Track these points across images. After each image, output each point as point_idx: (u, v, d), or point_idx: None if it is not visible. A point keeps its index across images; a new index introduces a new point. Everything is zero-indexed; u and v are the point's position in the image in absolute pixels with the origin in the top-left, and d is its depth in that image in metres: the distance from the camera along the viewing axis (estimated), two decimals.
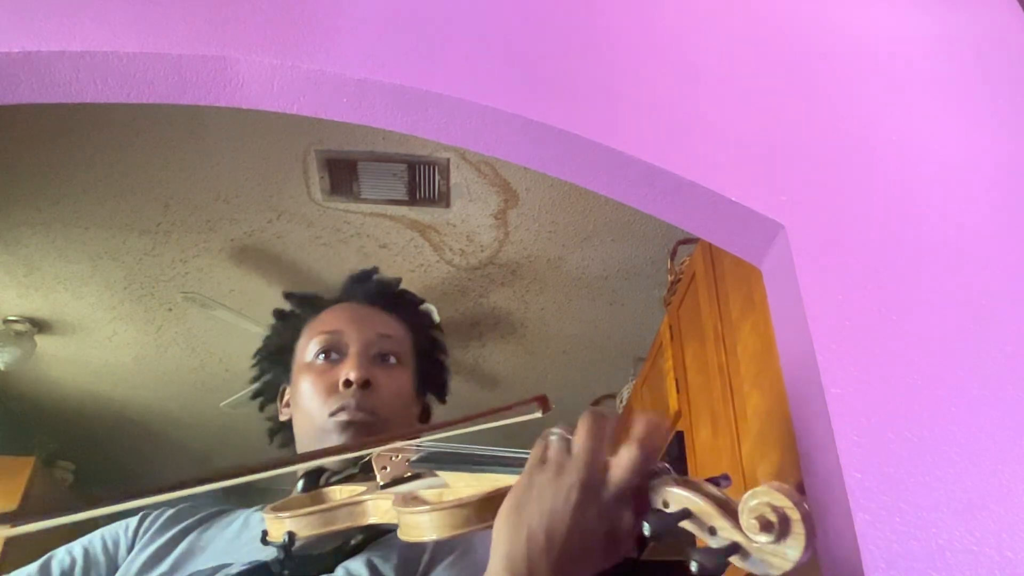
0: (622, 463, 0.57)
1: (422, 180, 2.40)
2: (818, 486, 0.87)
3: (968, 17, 1.28)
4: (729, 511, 0.53)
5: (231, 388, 3.22)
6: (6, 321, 3.01)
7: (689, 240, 2.27)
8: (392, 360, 0.94)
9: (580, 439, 0.59)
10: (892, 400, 0.86)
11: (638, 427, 0.59)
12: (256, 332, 2.81)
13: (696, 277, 2.04)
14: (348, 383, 0.88)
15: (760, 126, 1.10)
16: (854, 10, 1.27)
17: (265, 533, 0.78)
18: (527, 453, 0.65)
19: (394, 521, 0.68)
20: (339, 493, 0.80)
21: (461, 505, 0.62)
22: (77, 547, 0.86)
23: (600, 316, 2.97)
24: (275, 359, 1.02)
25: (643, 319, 2.91)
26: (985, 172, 1.09)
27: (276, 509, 0.78)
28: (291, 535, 0.75)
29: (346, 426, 0.86)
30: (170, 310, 2.98)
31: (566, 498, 0.57)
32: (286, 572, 0.76)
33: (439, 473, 0.72)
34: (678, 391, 2.11)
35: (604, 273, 2.76)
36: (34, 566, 0.83)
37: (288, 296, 1.05)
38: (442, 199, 2.47)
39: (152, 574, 0.81)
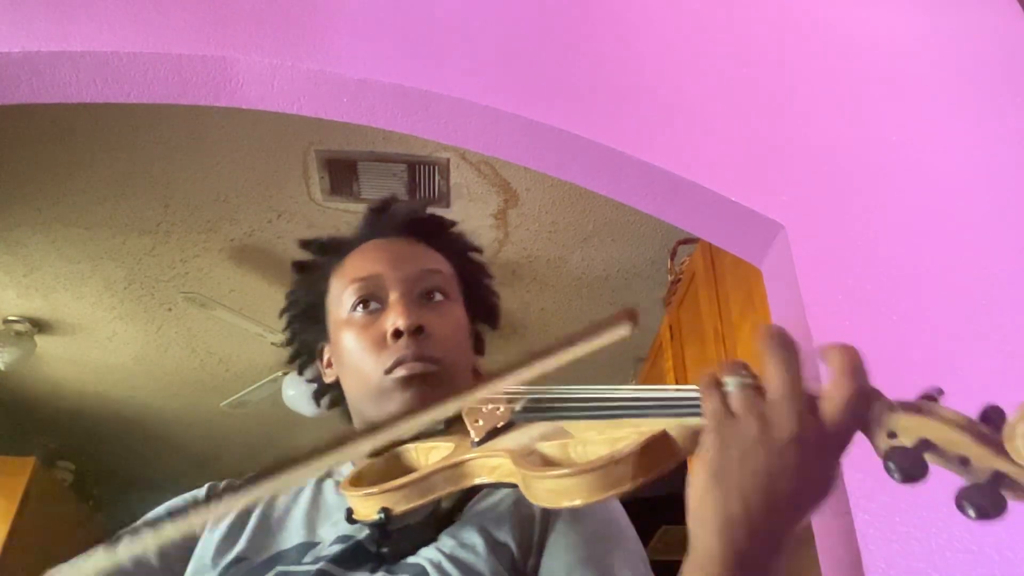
0: (837, 400, 0.47)
1: (422, 180, 2.40)
2: None
3: (968, 17, 1.28)
4: (980, 435, 0.44)
5: (231, 388, 3.21)
6: (6, 321, 3.01)
7: (689, 240, 2.27)
8: (439, 296, 0.83)
9: (780, 383, 0.49)
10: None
11: (840, 358, 0.49)
12: (256, 332, 2.81)
13: (696, 277, 2.04)
14: (398, 333, 0.77)
15: (760, 127, 1.10)
16: (854, 12, 1.27)
17: (350, 511, 0.69)
18: (660, 391, 0.57)
19: (510, 480, 0.59)
20: (417, 452, 0.70)
21: (616, 462, 0.51)
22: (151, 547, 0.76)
23: (600, 316, 2.95)
24: (306, 317, 0.90)
25: (643, 319, 2.91)
26: (985, 172, 1.09)
27: (357, 484, 0.68)
28: (386, 511, 0.65)
29: (407, 382, 0.76)
30: (170, 310, 2.98)
31: (780, 456, 0.48)
32: (385, 549, 0.69)
33: (547, 423, 0.63)
34: None
35: (604, 273, 2.76)
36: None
37: (306, 244, 0.92)
38: (442, 199, 2.47)
39: (230, 556, 0.74)
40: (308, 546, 0.73)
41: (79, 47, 1.00)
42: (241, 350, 3.12)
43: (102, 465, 4.06)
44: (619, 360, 3.10)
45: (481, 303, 0.92)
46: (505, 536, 0.70)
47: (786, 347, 0.49)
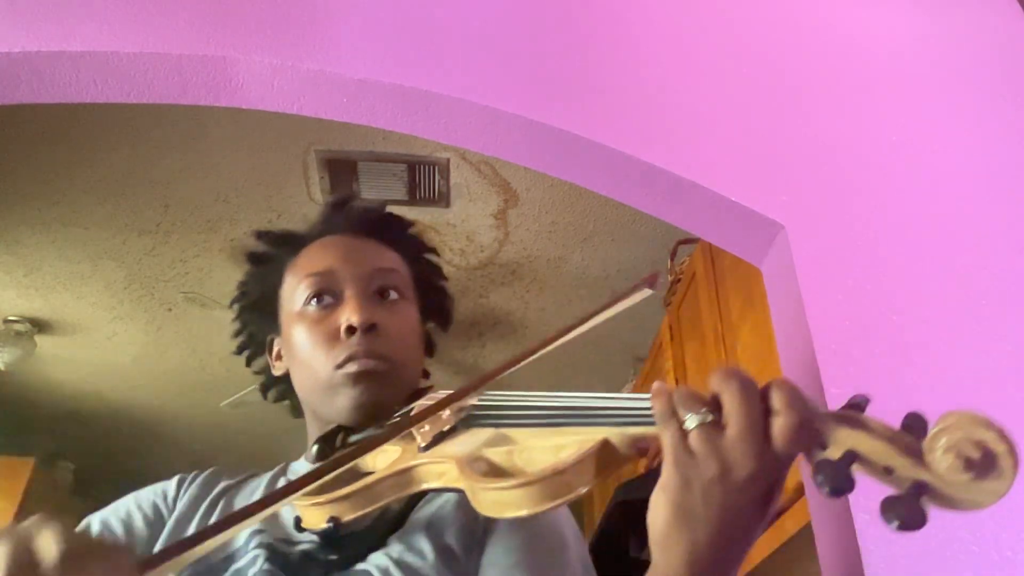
0: (785, 437, 0.48)
1: (422, 180, 2.40)
2: None
3: (968, 17, 1.28)
4: (903, 445, 0.45)
5: (231, 388, 3.21)
6: (6, 321, 3.01)
7: (689, 240, 2.26)
8: (393, 295, 0.84)
9: (740, 424, 0.49)
10: (892, 400, 0.85)
11: (779, 393, 0.49)
12: None
13: (696, 277, 2.04)
14: (351, 329, 0.78)
15: (760, 126, 1.10)
16: (854, 11, 1.27)
17: (298, 520, 0.70)
18: (603, 399, 0.58)
19: (456, 486, 0.60)
20: (365, 459, 0.70)
21: (558, 472, 0.52)
22: (114, 519, 0.79)
23: None
24: (257, 309, 0.91)
25: (643, 319, 2.91)
26: (985, 172, 1.09)
27: (307, 494, 0.67)
28: (335, 521, 0.65)
29: (357, 378, 0.77)
30: (170, 310, 2.98)
31: (740, 492, 0.50)
32: (334, 557, 0.70)
33: (491, 429, 0.63)
34: None
35: (604, 273, 2.76)
36: None
37: (260, 235, 0.93)
38: (442, 199, 2.47)
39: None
40: (256, 532, 0.74)
41: (79, 47, 1.00)
42: None
43: (102, 465, 4.06)
44: (619, 360, 3.10)
45: (434, 304, 0.93)
46: (451, 539, 0.71)
47: (746, 387, 0.50)
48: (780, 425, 0.48)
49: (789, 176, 1.05)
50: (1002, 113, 1.16)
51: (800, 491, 1.22)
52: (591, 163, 1.07)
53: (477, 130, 1.08)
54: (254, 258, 0.93)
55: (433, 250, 0.95)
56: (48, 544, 0.47)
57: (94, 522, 0.79)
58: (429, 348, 0.93)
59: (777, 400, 0.49)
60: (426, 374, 0.90)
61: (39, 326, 3.06)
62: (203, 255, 2.71)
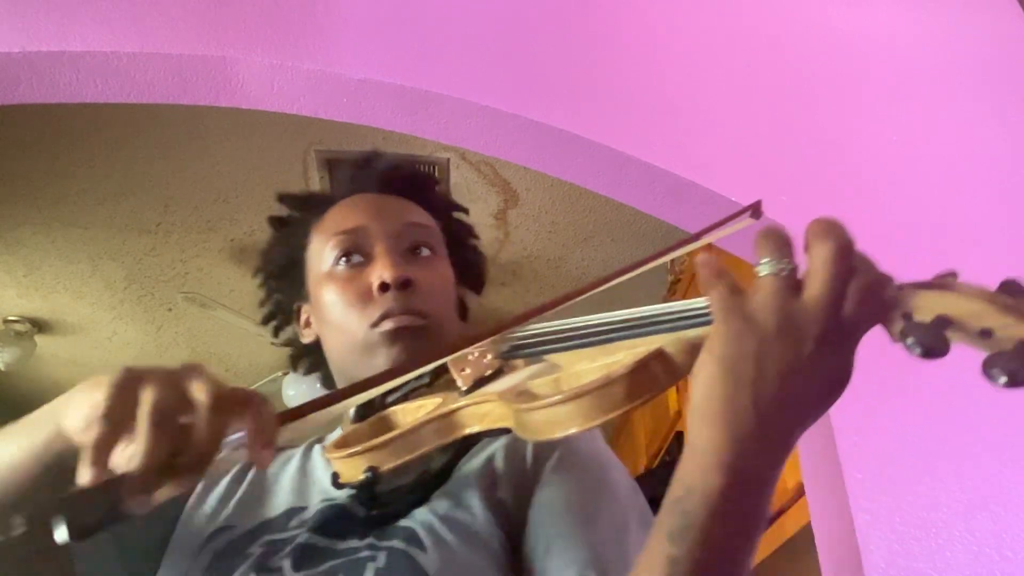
0: (856, 295, 0.44)
1: None
2: (818, 486, 0.87)
3: (968, 17, 1.28)
4: (1003, 305, 0.42)
5: None
6: (6, 321, 3.01)
7: None
8: (426, 251, 0.80)
9: (822, 285, 0.44)
10: (892, 400, 0.86)
11: (859, 257, 0.45)
12: (256, 332, 2.81)
13: (696, 277, 2.04)
14: (384, 286, 0.74)
15: (760, 127, 1.10)
16: (854, 11, 1.27)
17: (336, 476, 0.65)
18: (655, 309, 0.53)
19: (502, 424, 0.55)
20: (404, 413, 0.67)
21: (610, 382, 0.47)
22: None
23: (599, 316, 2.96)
24: (283, 275, 0.87)
25: None
26: (984, 171, 1.09)
27: (341, 446, 0.64)
28: (373, 471, 0.61)
29: (394, 335, 0.73)
30: (170, 310, 2.98)
31: (798, 354, 0.44)
32: (374, 512, 0.67)
33: (537, 361, 0.59)
34: (678, 391, 2.11)
35: (604, 273, 2.76)
36: None
37: (283, 198, 0.89)
38: None
39: (217, 523, 0.72)
40: (295, 511, 0.71)
41: (79, 47, 1.00)
42: (241, 350, 3.12)
43: None
44: None
45: (467, 263, 0.89)
46: (503, 492, 0.67)
47: (843, 250, 0.45)
48: (857, 285, 0.44)
49: (789, 176, 1.05)
50: (1002, 113, 1.16)
51: (800, 491, 1.22)
52: (591, 163, 1.07)
53: (477, 130, 1.08)
54: (277, 223, 0.89)
55: (464, 209, 0.91)
56: (201, 389, 0.47)
57: None
58: (463, 313, 0.89)
59: (857, 261, 0.45)
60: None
61: (39, 326, 3.06)
62: (203, 255, 2.70)
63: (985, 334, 0.42)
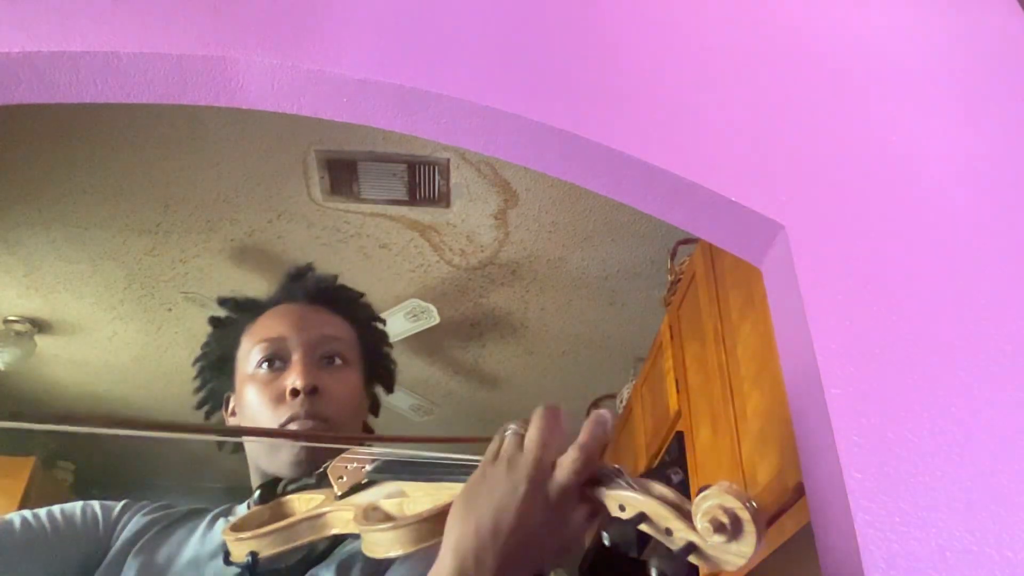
0: (565, 465, 0.59)
1: (422, 180, 2.40)
2: (818, 486, 0.87)
3: (968, 17, 1.28)
4: (683, 512, 0.54)
5: None
6: (6, 321, 3.01)
7: (689, 240, 2.27)
8: (338, 361, 0.92)
9: (531, 435, 0.61)
10: (892, 400, 0.85)
11: (584, 431, 0.61)
12: None
13: (696, 277, 2.04)
14: (295, 392, 0.85)
15: (760, 126, 1.10)
16: (854, 10, 1.27)
17: (227, 553, 0.77)
18: (472, 459, 0.66)
19: (356, 532, 0.69)
20: (298, 503, 0.79)
21: (421, 520, 0.63)
22: (43, 511, 0.84)
23: (600, 316, 2.96)
24: (216, 368, 0.98)
25: (643, 319, 2.91)
26: (985, 172, 1.09)
27: (236, 528, 0.76)
28: (254, 555, 0.73)
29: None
30: (170, 310, 2.99)
31: (513, 492, 0.58)
32: None
33: (396, 482, 0.72)
34: (678, 391, 2.11)
35: (604, 273, 2.76)
36: None
37: (223, 302, 1.02)
38: (442, 199, 2.48)
39: None
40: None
41: (79, 47, 1.00)
42: None
43: (102, 465, 4.06)
44: (619, 360, 3.10)
45: (379, 368, 1.02)
46: (357, 573, 0.76)
47: (549, 414, 0.62)
48: (564, 456, 0.59)
49: (789, 176, 1.05)
50: (1002, 113, 1.16)
51: (800, 491, 1.22)
52: (591, 163, 1.07)
53: (477, 130, 1.08)
54: (216, 322, 1.01)
55: (381, 319, 1.05)
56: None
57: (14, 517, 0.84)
58: (374, 407, 1.02)
59: (581, 434, 0.60)
60: (367, 430, 1.00)
61: (39, 326, 3.06)
62: (203, 255, 2.71)
63: (668, 532, 0.54)
